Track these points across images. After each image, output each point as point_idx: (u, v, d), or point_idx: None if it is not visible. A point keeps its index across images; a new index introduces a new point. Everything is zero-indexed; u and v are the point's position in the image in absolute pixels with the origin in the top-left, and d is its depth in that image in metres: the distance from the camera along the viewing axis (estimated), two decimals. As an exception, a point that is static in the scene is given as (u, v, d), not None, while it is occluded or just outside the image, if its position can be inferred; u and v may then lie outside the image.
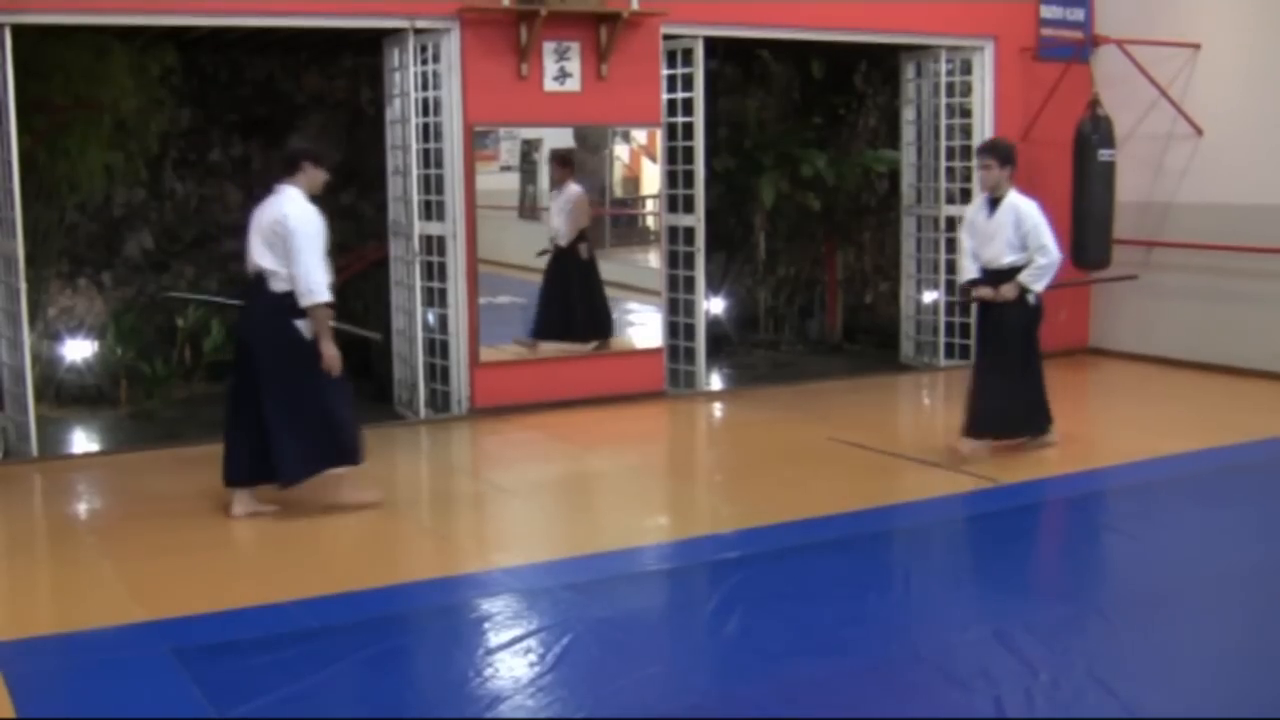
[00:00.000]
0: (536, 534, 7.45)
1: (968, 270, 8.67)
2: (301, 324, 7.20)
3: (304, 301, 7.11)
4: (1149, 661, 5.23)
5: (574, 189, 10.97)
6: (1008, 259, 8.34)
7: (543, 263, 11.08)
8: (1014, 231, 8.29)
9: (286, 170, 7.40)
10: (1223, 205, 11.55)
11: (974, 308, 9.12)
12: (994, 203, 8.42)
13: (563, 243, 10.92)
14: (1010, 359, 8.45)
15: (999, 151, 8.46)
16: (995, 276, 8.43)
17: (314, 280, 7.09)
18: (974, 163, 12.00)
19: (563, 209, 10.90)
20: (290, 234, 7.10)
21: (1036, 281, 8.33)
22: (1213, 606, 5.98)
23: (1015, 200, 8.35)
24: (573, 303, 11.04)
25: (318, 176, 7.43)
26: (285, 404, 7.26)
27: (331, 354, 7.22)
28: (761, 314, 14.02)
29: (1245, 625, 5.73)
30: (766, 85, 14.34)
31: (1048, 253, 8.28)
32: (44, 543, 7.40)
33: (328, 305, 7.18)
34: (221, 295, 12.09)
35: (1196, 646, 5.45)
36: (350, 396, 7.55)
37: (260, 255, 7.21)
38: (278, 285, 7.19)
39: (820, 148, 13.27)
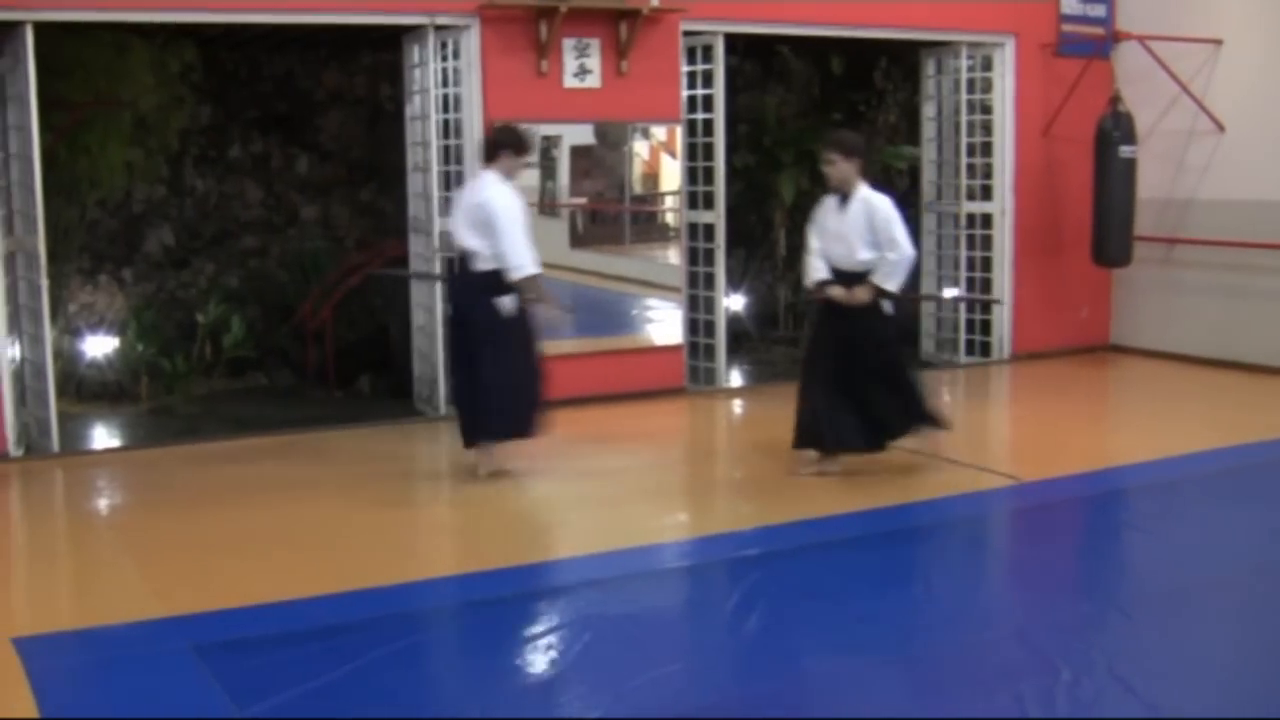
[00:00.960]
0: (556, 531, 7.45)
1: (816, 270, 8.08)
2: (500, 301, 7.79)
3: (513, 276, 7.71)
4: (1170, 660, 5.20)
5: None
6: (861, 255, 7.83)
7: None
8: (867, 227, 7.81)
9: (487, 157, 8.00)
10: (1244, 202, 11.49)
11: (815, 315, 8.53)
12: (845, 199, 7.94)
13: None
14: (877, 367, 7.95)
15: (841, 145, 7.99)
16: (847, 279, 7.92)
17: (520, 255, 7.69)
18: (993, 160, 12.13)
19: None
20: (493, 216, 7.68)
21: (889, 280, 7.79)
22: (1234, 605, 5.95)
23: (866, 195, 7.85)
24: None
25: (516, 163, 7.97)
26: (486, 372, 7.84)
27: (553, 314, 8.05)
28: (781, 310, 14.00)
29: (1267, 624, 5.70)
30: (786, 81, 14.32)
31: (898, 248, 7.73)
32: (65, 538, 7.42)
33: (536, 276, 7.81)
34: (237, 286, 12.14)
35: (1218, 645, 5.42)
36: (538, 374, 8.12)
37: (465, 236, 7.84)
38: (480, 264, 7.79)
39: (840, 144, 13.24)
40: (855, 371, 7.95)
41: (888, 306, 7.93)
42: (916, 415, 8.18)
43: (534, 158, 8.51)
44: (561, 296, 8.75)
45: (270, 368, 12.01)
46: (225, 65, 12.11)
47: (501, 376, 7.86)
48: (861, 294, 7.83)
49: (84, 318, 11.56)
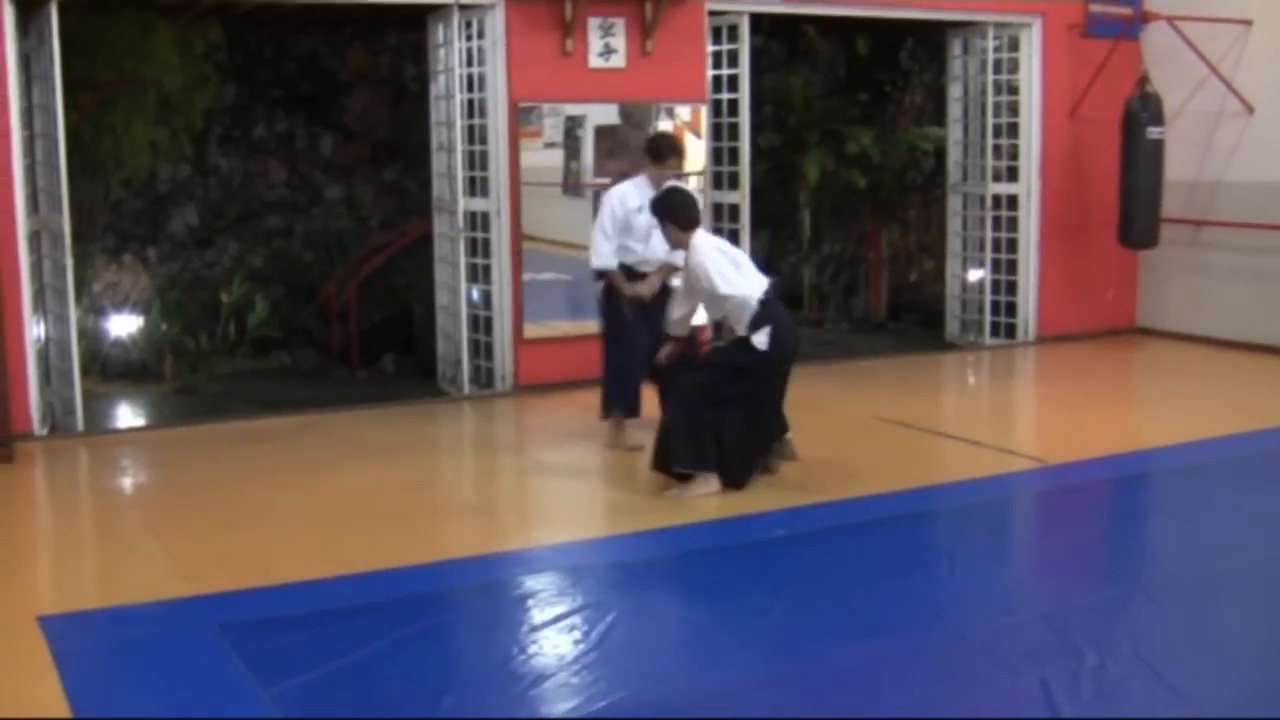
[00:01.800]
0: (580, 511, 7.45)
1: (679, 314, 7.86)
2: (600, 285, 8.36)
3: (591, 265, 8.30)
4: (1197, 645, 5.17)
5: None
6: (704, 312, 7.70)
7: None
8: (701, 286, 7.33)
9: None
10: (1273, 184, 11.40)
11: None
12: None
13: None
14: (684, 384, 7.48)
15: (655, 209, 7.68)
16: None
17: (596, 248, 8.21)
18: (1019, 142, 12.07)
19: None
20: (598, 209, 8.38)
21: (737, 325, 7.27)
22: (1261, 590, 5.92)
23: (692, 248, 7.35)
24: None
25: (655, 170, 8.23)
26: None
27: (634, 294, 8.20)
28: (806, 292, 13.97)
29: (1296, 609, 5.68)
30: (811, 62, 14.26)
31: (725, 300, 7.22)
32: (89, 517, 7.45)
33: (609, 271, 8.18)
34: (262, 266, 12.18)
35: (1245, 630, 5.40)
36: (635, 356, 8.29)
37: None
38: None
39: (865, 125, 13.20)
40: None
41: (760, 343, 7.25)
42: (675, 451, 7.36)
43: (682, 164, 9.12)
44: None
45: (294, 347, 12.04)
46: (250, 45, 12.12)
47: (609, 356, 8.44)
48: (727, 334, 7.66)
49: (108, 297, 11.59)
